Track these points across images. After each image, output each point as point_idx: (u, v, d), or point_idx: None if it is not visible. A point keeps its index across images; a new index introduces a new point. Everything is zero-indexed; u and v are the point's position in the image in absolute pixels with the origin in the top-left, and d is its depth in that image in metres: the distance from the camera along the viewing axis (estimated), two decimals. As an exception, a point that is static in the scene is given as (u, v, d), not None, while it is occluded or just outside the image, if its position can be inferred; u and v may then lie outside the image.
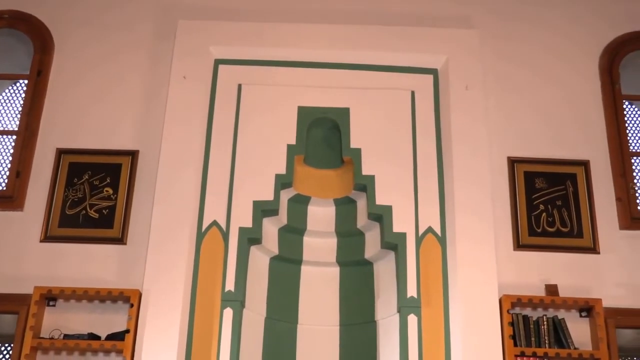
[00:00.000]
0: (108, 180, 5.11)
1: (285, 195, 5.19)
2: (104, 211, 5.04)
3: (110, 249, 4.94)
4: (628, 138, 5.38)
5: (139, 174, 5.14)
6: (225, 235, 4.93)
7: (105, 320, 4.73)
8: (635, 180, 5.30)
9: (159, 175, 5.00)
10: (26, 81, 5.52)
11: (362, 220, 5.20)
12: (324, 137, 5.34)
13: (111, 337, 4.60)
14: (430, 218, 5.01)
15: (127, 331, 4.58)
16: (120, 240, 4.95)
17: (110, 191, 5.09)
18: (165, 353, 4.52)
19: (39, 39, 5.53)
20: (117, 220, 5.00)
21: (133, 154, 5.18)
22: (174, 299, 4.67)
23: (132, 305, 4.64)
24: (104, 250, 4.94)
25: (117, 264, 4.90)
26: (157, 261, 4.77)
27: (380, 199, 5.04)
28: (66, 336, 4.62)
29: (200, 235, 4.93)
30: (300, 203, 5.26)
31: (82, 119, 5.32)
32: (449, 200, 5.01)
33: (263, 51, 5.39)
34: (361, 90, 5.34)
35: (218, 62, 5.41)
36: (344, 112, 5.28)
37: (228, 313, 4.75)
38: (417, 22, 5.53)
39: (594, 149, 5.29)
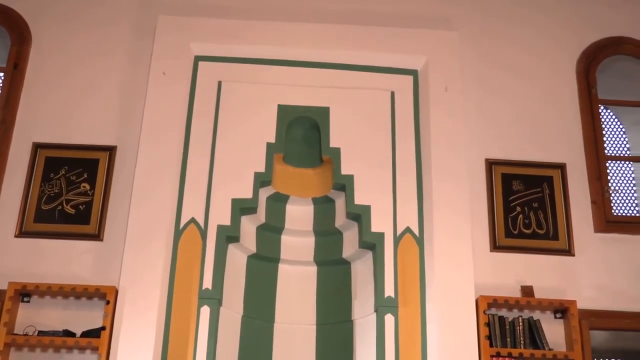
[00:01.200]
0: (85, 176, 5.07)
1: (264, 194, 5.18)
2: (80, 207, 4.99)
3: (87, 245, 4.90)
4: (604, 142, 5.44)
5: (116, 170, 5.10)
6: (204, 233, 4.91)
7: (81, 317, 4.69)
8: (610, 184, 5.36)
9: (137, 171, 4.96)
10: (2, 74, 5.45)
11: (340, 219, 5.21)
12: (303, 136, 5.34)
13: (86, 334, 4.56)
14: (408, 218, 5.03)
15: (103, 328, 4.54)
16: (97, 236, 4.91)
17: (87, 187, 5.04)
18: (142, 351, 4.48)
19: (16, 32, 5.46)
20: (94, 216, 4.96)
21: (111, 150, 5.14)
22: (151, 296, 4.64)
23: (108, 302, 4.60)
24: (80, 246, 4.90)
25: (93, 260, 4.86)
26: (134, 258, 4.73)
27: (359, 199, 5.05)
28: (40, 333, 4.56)
29: (178, 233, 4.90)
30: (278, 201, 5.25)
31: (60, 113, 5.26)
32: (427, 200, 5.04)
33: (244, 49, 5.37)
34: (341, 89, 5.35)
35: (198, 58, 5.38)
36: (324, 112, 5.28)
37: (205, 311, 4.73)
38: (398, 22, 5.54)
39: (570, 152, 5.35)
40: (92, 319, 4.67)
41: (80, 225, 4.93)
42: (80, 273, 4.80)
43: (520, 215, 5.14)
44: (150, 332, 4.54)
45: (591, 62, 5.60)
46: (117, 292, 4.64)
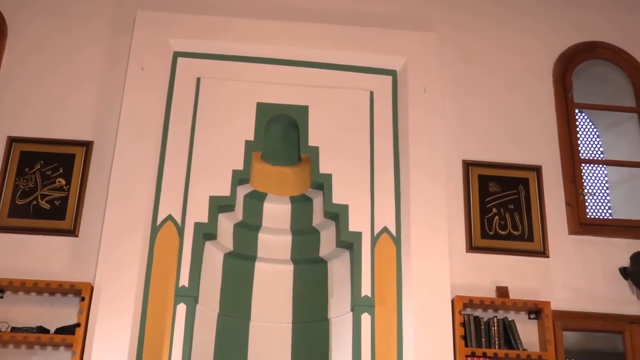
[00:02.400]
0: (61, 171, 5.01)
1: (242, 192, 5.17)
2: (55, 202, 4.94)
3: (62, 240, 4.85)
4: (579, 145, 5.50)
5: (92, 165, 5.05)
6: (181, 230, 4.89)
7: (55, 314, 4.64)
8: (584, 187, 5.42)
9: (113, 167, 4.92)
10: (-23, 67, 5.38)
11: (317, 218, 5.21)
12: (282, 135, 5.33)
13: (61, 330, 4.51)
14: (385, 218, 5.05)
15: (78, 325, 4.49)
16: (72, 232, 4.86)
17: (63, 182, 4.99)
18: (117, 348, 4.45)
19: (-8, 25, 5.39)
20: (70, 212, 4.90)
21: (87, 145, 5.08)
22: (127, 293, 4.60)
23: (83, 299, 4.56)
24: (55, 242, 4.84)
25: (68, 256, 4.81)
26: (110, 254, 4.69)
27: (337, 198, 5.06)
28: (14, 329, 4.50)
29: (155, 230, 4.87)
30: (256, 199, 5.24)
31: (35, 107, 5.20)
32: (405, 201, 5.06)
33: (223, 45, 5.35)
34: (320, 88, 5.35)
35: (177, 54, 5.35)
36: (303, 110, 5.29)
37: (181, 308, 4.71)
38: (378, 23, 5.55)
39: (546, 155, 5.41)
40: (67, 316, 4.61)
41: (56, 220, 4.88)
42: (55, 269, 4.74)
43: (496, 217, 5.18)
44: (126, 329, 4.51)
45: (567, 66, 5.66)
46: (92, 288, 4.60)
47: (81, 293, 4.57)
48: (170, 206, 4.94)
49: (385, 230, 5.03)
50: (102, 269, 4.65)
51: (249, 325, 5.04)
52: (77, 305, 4.61)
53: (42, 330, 4.51)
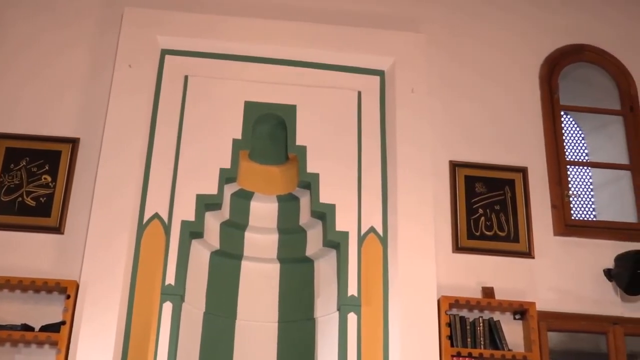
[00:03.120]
0: (46, 168, 4.97)
1: (229, 190, 5.16)
2: (41, 199, 4.90)
3: (47, 238, 4.81)
4: (564, 147, 5.54)
5: (79, 162, 5.01)
6: (167, 228, 4.87)
7: (40, 311, 4.59)
8: (569, 188, 5.46)
9: (100, 164, 4.89)
10: (-38, 62, 5.33)
11: (304, 217, 5.21)
12: (269, 133, 5.33)
13: (46, 328, 4.47)
14: (372, 218, 5.06)
15: (63, 323, 4.47)
16: (58, 229, 4.82)
17: (49, 179, 4.95)
18: (102, 346, 4.42)
19: (-23, 19, 5.35)
20: (55, 209, 4.87)
21: (74, 142, 5.04)
22: (113, 291, 4.58)
23: (68, 297, 4.53)
24: (40, 239, 4.80)
25: (53, 253, 4.77)
26: (96, 252, 4.66)
27: (324, 197, 5.06)
28: (-2, 326, 4.47)
29: (142, 227, 4.85)
30: (243, 198, 5.23)
31: (21, 103, 5.15)
32: (392, 201, 5.07)
33: (211, 44, 5.33)
34: (308, 88, 5.35)
35: (165, 52, 5.33)
36: (291, 109, 5.28)
37: (167, 307, 4.69)
38: (367, 23, 5.55)
39: (532, 157, 5.44)
40: (52, 314, 4.58)
41: (41, 217, 4.84)
42: (40, 266, 4.70)
43: (483, 217, 5.20)
44: (111, 328, 4.48)
45: (554, 68, 5.70)
46: (77, 286, 4.57)
47: (67, 291, 4.54)
48: (157, 204, 4.91)
49: (372, 230, 5.03)
50: (88, 266, 4.62)
51: (234, 324, 5.03)
52: (63, 303, 4.58)
53: (26, 328, 4.47)
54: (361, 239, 4.99)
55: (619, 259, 5.08)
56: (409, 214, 4.99)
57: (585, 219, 5.72)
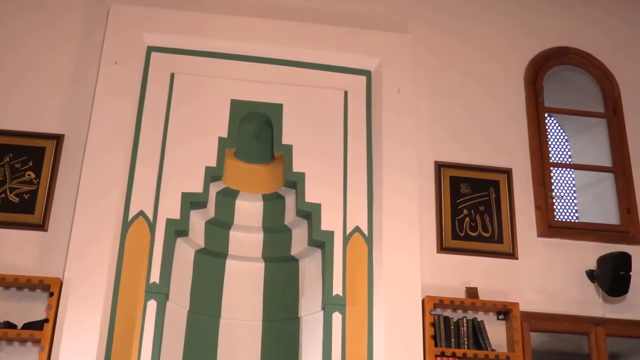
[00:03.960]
0: (30, 164, 4.94)
1: (214, 189, 5.14)
2: (24, 196, 4.86)
3: (31, 235, 4.77)
4: (548, 149, 5.58)
5: (63, 158, 4.98)
6: (152, 226, 4.85)
7: (23, 309, 4.56)
8: (553, 190, 5.50)
9: (85, 161, 4.87)
10: (-55, 56, 5.28)
11: (290, 216, 5.21)
12: (256, 132, 5.32)
13: (28, 326, 4.44)
14: (358, 218, 5.07)
15: (46, 320, 4.44)
16: (41, 226, 4.79)
17: (33, 175, 4.91)
18: (86, 344, 4.40)
19: (-42, 11, 5.29)
20: (39, 206, 4.83)
21: (58, 138, 5.01)
22: (97, 289, 4.55)
23: (52, 294, 4.50)
24: (23, 236, 4.76)
25: (37, 250, 4.73)
26: (80, 249, 4.64)
27: (310, 197, 5.07)
28: (-20, 324, 4.44)
29: (126, 225, 4.82)
30: (228, 197, 5.22)
31: (5, 98, 5.11)
32: (377, 201, 5.08)
33: (198, 41, 5.32)
34: (295, 87, 5.35)
35: (151, 49, 5.30)
36: (277, 108, 5.28)
37: (152, 305, 4.67)
38: (354, 23, 5.56)
39: (516, 158, 5.47)
40: (35, 311, 4.55)
41: (25, 214, 4.80)
42: (23, 264, 4.67)
43: (467, 218, 5.23)
44: (95, 326, 4.46)
45: (539, 70, 5.74)
46: (61, 284, 4.55)
47: (50, 288, 4.51)
48: (142, 202, 4.89)
49: (357, 229, 5.04)
50: (72, 264, 4.60)
51: (219, 322, 5.02)
52: (46, 300, 4.55)
53: (9, 325, 4.43)
54: (346, 239, 5.00)
55: (602, 260, 5.13)
56: (394, 214, 5.00)
57: (568, 220, 5.75)
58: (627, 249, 5.18)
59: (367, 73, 5.49)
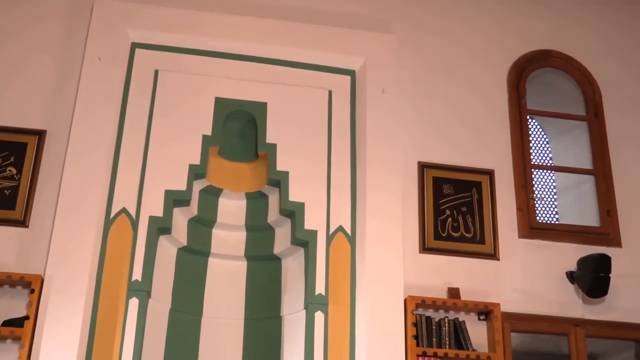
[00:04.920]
0: (12, 160, 4.89)
1: (197, 186, 5.12)
2: (5, 191, 4.81)
3: (11, 231, 4.73)
4: (530, 151, 5.62)
5: (45, 154, 4.94)
6: (135, 224, 4.82)
7: (3, 306, 4.51)
8: (534, 192, 5.54)
9: (67, 157, 4.83)
10: None
11: (273, 215, 5.20)
12: (240, 130, 5.31)
13: (9, 323, 4.40)
14: (341, 217, 5.08)
15: (27, 318, 4.40)
16: (22, 222, 4.75)
17: (14, 171, 4.87)
18: (67, 341, 4.37)
19: (-59, 6, 5.23)
20: (20, 202, 4.79)
21: (40, 134, 4.97)
22: (78, 286, 4.52)
23: (32, 291, 4.46)
24: (4, 232, 4.71)
25: (18, 247, 4.69)
26: (62, 246, 4.60)
27: (294, 196, 5.06)
28: (-41, 321, 4.39)
29: (109, 222, 4.79)
30: (211, 195, 5.20)
31: (-13, 93, 5.07)
32: (361, 200, 5.09)
33: (183, 38, 5.30)
34: (280, 85, 5.35)
35: (135, 45, 5.27)
36: (262, 107, 5.27)
37: (134, 303, 4.65)
38: (338, 22, 5.56)
39: (498, 160, 5.51)
40: (15, 308, 4.50)
41: (5, 210, 4.76)
42: (4, 260, 4.62)
43: (449, 219, 5.26)
44: (76, 323, 4.43)
45: (522, 73, 5.79)
46: (42, 280, 4.50)
47: (31, 285, 4.47)
48: (124, 199, 4.86)
49: (340, 229, 5.05)
50: (53, 260, 4.56)
51: (200, 321, 5.00)
52: (27, 297, 4.51)
53: (-11, 322, 4.41)
54: (329, 238, 5.00)
55: (582, 262, 5.18)
56: (377, 214, 5.02)
57: (549, 222, 5.80)
58: (606, 250, 5.24)
59: (351, 73, 5.49)
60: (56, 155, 4.92)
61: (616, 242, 5.41)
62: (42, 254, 4.63)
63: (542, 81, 5.96)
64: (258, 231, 5.22)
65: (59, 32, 5.28)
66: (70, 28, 5.29)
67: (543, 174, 6.02)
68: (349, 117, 5.37)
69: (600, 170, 5.66)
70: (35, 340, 4.36)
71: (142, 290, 4.68)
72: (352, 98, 5.43)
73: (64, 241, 4.62)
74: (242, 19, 5.38)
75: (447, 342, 4.81)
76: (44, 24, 5.29)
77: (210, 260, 5.14)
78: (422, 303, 4.87)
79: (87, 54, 5.11)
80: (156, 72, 5.23)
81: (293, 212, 5.04)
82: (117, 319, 4.59)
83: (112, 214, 4.82)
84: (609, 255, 5.12)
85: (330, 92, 5.41)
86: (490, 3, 5.97)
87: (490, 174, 5.43)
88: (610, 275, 5.06)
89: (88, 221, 4.70)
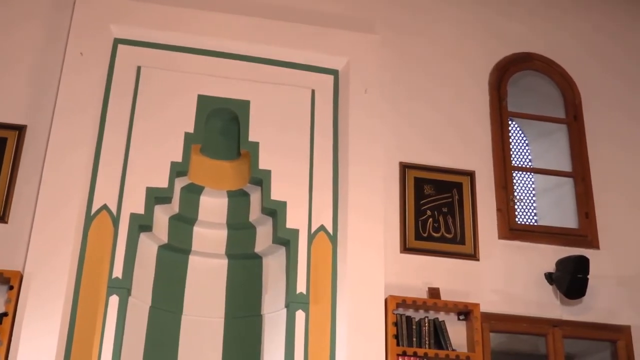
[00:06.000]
0: (-9, 155, 4.85)
1: (179, 184, 5.10)
2: (-16, 187, 4.77)
3: (-10, 227, 4.69)
4: (510, 153, 5.67)
5: (25, 149, 4.88)
6: (116, 220, 4.79)
7: (-19, 302, 4.48)
8: (514, 193, 5.59)
9: (48, 153, 4.79)
10: None
11: (255, 214, 5.19)
12: (222, 128, 5.30)
13: (-13, 319, 4.37)
14: (323, 216, 5.08)
15: (5, 314, 4.36)
16: (2, 218, 4.70)
17: (-7, 166, 4.82)
18: (46, 338, 4.34)
19: None
20: (-1, 197, 4.75)
21: (20, 129, 4.91)
22: (58, 283, 4.49)
23: (11, 288, 4.42)
24: (-18, 228, 4.68)
25: (-4, 243, 4.65)
26: (41, 242, 4.57)
27: (276, 194, 5.06)
28: (-64, 317, 4.34)
29: (89, 219, 4.76)
30: (193, 192, 5.18)
31: (-34, 87, 5.01)
32: (343, 200, 5.10)
33: (166, 35, 5.27)
34: (263, 84, 5.34)
35: (117, 41, 5.24)
36: (245, 105, 5.26)
37: (114, 300, 4.62)
38: (322, 22, 5.56)
39: (479, 161, 5.55)
40: (-7, 305, 4.47)
41: (-16, 206, 4.72)
42: (-18, 256, 4.58)
43: (430, 219, 5.28)
44: (56, 320, 4.40)
45: (503, 75, 5.83)
46: (21, 277, 4.46)
47: (10, 281, 4.43)
48: (105, 196, 4.83)
49: (322, 228, 5.06)
50: (33, 257, 4.53)
51: (180, 318, 4.99)
52: (5, 294, 4.46)
53: (-34, 319, 4.36)
54: (311, 237, 5.01)
55: (560, 263, 5.23)
56: (358, 214, 5.03)
57: (529, 223, 5.84)
58: (585, 252, 5.29)
59: (334, 72, 5.50)
60: (36, 150, 4.87)
61: (594, 244, 5.47)
62: (22, 250, 4.59)
63: (523, 83, 6.01)
64: (239, 229, 5.21)
65: (40, 27, 5.22)
66: (52, 23, 5.23)
67: (523, 175, 6.07)
68: (331, 116, 5.38)
69: (579, 173, 5.72)
70: (13, 337, 4.33)
71: (122, 287, 4.66)
72: (335, 98, 5.44)
73: (44, 237, 4.58)
74: (226, 17, 5.36)
75: (427, 342, 4.84)
76: (26, 18, 5.23)
77: (191, 258, 5.12)
78: (403, 303, 4.89)
79: (69, 49, 5.06)
80: (139, 68, 5.20)
81: (275, 211, 5.04)
82: (97, 316, 4.56)
83: (93, 210, 4.79)
84: (587, 257, 5.17)
85: (313, 92, 5.41)
86: (473, 5, 6.01)
87: (471, 175, 5.47)
88: (588, 276, 5.11)
89: (68, 217, 4.66)
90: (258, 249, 5.17)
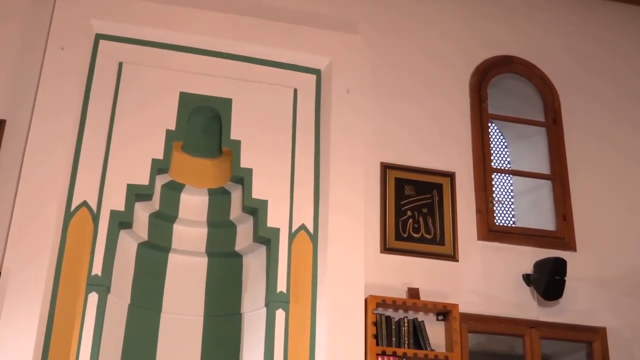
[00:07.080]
0: (-31, 149, 4.78)
1: (159, 181, 5.08)
2: (-38, 181, 4.71)
3: (-32, 223, 4.63)
4: (490, 154, 5.71)
5: (4, 144, 4.81)
6: (95, 217, 4.76)
7: (-43, 299, 4.42)
8: (494, 195, 5.64)
9: (27, 148, 4.73)
10: None
11: (235, 212, 5.18)
12: (204, 126, 5.28)
13: (-37, 316, 4.32)
14: (304, 216, 5.09)
15: (-18, 311, 4.32)
16: (-21, 214, 4.65)
17: (-29, 161, 4.76)
18: (24, 335, 4.30)
19: None
20: (-23, 192, 4.69)
21: (-1, 123, 4.88)
22: (36, 279, 4.44)
23: (-11, 284, 4.38)
24: (-40, 223, 4.62)
25: (-26, 239, 4.59)
26: (20, 239, 4.52)
27: (257, 193, 5.05)
28: None
29: (69, 215, 4.72)
30: (173, 190, 5.16)
31: (-56, 81, 4.94)
32: (324, 199, 5.11)
33: (148, 31, 5.23)
34: (245, 82, 5.33)
35: (99, 36, 5.20)
36: (227, 103, 5.25)
37: (93, 298, 4.59)
38: (305, 21, 5.56)
39: (460, 162, 5.58)
40: (-30, 301, 4.41)
41: (-38, 201, 4.66)
42: (-41, 251, 4.53)
43: (410, 220, 5.31)
44: (34, 317, 4.36)
45: (484, 77, 5.87)
46: (-1, 273, 4.43)
47: (-13, 278, 4.39)
48: (85, 192, 4.80)
49: (302, 227, 5.06)
50: (11, 253, 4.48)
51: (160, 316, 4.97)
52: (-18, 290, 4.42)
53: (-58, 315, 4.30)
54: (292, 236, 5.01)
55: (538, 265, 5.28)
56: (339, 213, 5.03)
57: (506, 224, 5.88)
58: (562, 254, 5.34)
59: (317, 72, 5.51)
60: (16, 145, 4.81)
61: (571, 246, 5.53)
62: (0, 246, 4.53)
63: (504, 86, 6.06)
64: (220, 227, 5.20)
65: (21, 20, 5.16)
66: (33, 16, 5.17)
67: (501, 177, 6.11)
68: (313, 116, 5.38)
69: (557, 176, 5.78)
70: (-10, 334, 4.29)
71: (101, 285, 4.63)
72: (317, 97, 5.44)
73: (23, 233, 4.53)
74: (209, 14, 5.34)
75: (406, 342, 4.86)
76: (5, 12, 5.16)
77: (171, 255, 5.10)
78: (383, 303, 4.91)
79: (50, 44, 5.01)
80: (120, 64, 5.17)
81: (256, 210, 5.04)
82: (75, 314, 4.53)
83: (73, 207, 4.75)
84: (565, 259, 5.22)
85: (295, 91, 5.41)
86: (456, 7, 6.05)
87: (451, 176, 5.50)
88: (565, 278, 5.16)
89: (48, 213, 4.62)
90: (238, 247, 5.16)
